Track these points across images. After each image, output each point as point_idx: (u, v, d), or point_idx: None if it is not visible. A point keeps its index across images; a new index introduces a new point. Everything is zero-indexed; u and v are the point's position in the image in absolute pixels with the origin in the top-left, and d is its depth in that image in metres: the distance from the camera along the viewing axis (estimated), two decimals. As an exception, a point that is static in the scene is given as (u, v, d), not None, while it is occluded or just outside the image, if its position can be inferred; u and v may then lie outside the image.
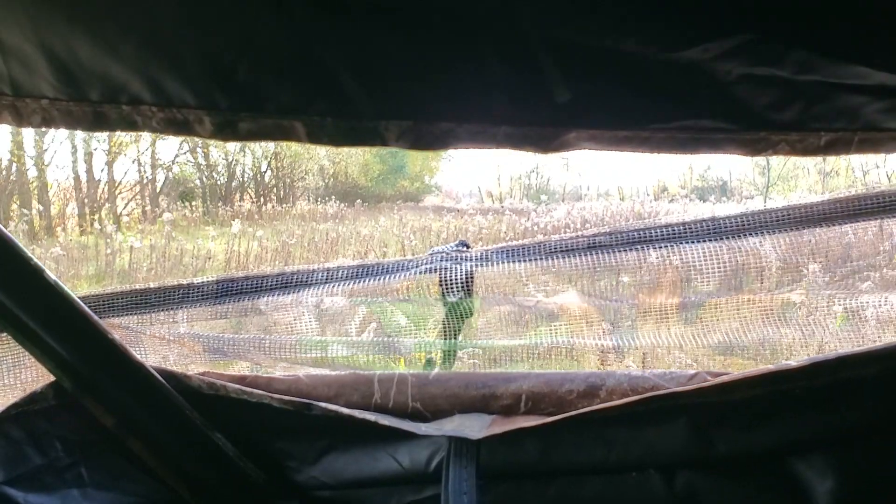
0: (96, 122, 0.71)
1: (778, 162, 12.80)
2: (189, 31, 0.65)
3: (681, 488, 1.04)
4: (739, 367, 1.13)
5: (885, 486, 1.04)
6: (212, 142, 11.85)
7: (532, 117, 0.70)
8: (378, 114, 0.69)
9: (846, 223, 1.07)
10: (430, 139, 0.71)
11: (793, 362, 1.02)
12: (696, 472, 1.05)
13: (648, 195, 13.60)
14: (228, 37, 0.65)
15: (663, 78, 0.68)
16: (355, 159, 14.06)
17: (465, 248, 1.15)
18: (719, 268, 1.07)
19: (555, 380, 1.09)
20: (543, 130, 0.71)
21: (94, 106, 0.69)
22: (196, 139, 11.57)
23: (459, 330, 1.13)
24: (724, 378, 1.02)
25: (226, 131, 0.70)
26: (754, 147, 0.74)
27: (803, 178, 12.78)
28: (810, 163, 12.48)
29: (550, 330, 1.19)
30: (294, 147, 12.70)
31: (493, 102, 0.69)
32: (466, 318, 1.13)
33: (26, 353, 0.95)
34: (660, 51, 0.66)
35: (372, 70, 0.67)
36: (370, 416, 1.04)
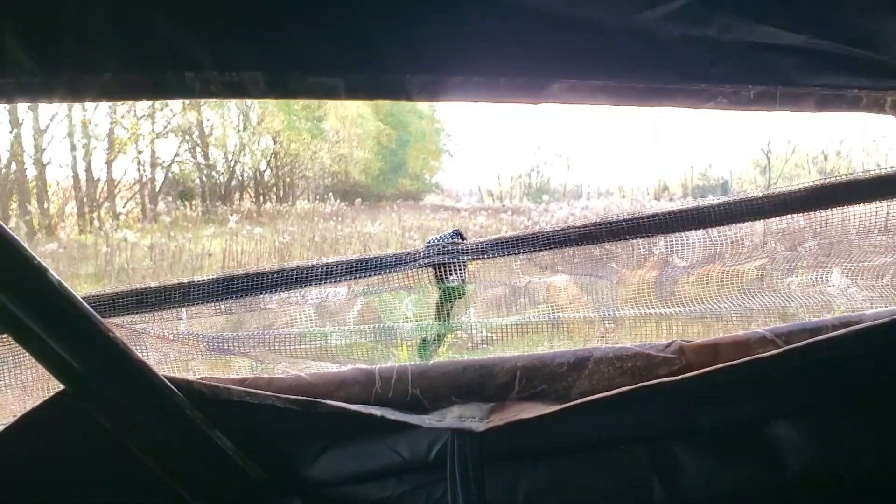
0: (156, 90, 0.77)
1: (778, 161, 12.81)
2: None
3: (664, 458, 1.10)
4: (714, 332, 1.22)
5: (854, 449, 1.11)
6: (213, 140, 11.85)
7: (525, 69, 0.85)
8: (404, 68, 0.81)
9: (819, 209, 1.16)
10: (446, 91, 0.84)
11: (762, 330, 1.15)
12: (677, 442, 1.11)
13: (649, 194, 13.60)
14: (284, 2, 0.75)
15: (622, 37, 0.84)
16: (356, 158, 14.06)
17: (459, 239, 1.18)
18: (702, 251, 1.18)
19: (546, 357, 1.16)
20: (534, 80, 0.86)
21: (156, 75, 0.75)
22: (196, 138, 11.60)
23: (450, 313, 1.19)
24: (702, 354, 1.13)
25: (277, 90, 0.79)
26: (698, 98, 0.89)
27: (804, 177, 12.79)
28: (811, 163, 12.49)
29: (540, 311, 1.27)
30: (294, 147, 12.73)
31: (495, 57, 0.83)
32: (460, 300, 1.19)
33: (27, 354, 0.95)
34: (617, 14, 0.82)
35: (401, 30, 0.79)
36: (375, 412, 1.06)
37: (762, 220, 1.16)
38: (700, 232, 1.16)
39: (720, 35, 0.83)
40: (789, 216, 1.15)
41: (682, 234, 1.16)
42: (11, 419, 1.04)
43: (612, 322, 1.25)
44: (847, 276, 1.22)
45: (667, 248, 1.17)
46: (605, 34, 0.83)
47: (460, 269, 1.15)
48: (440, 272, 1.15)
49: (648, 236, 1.16)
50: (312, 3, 0.76)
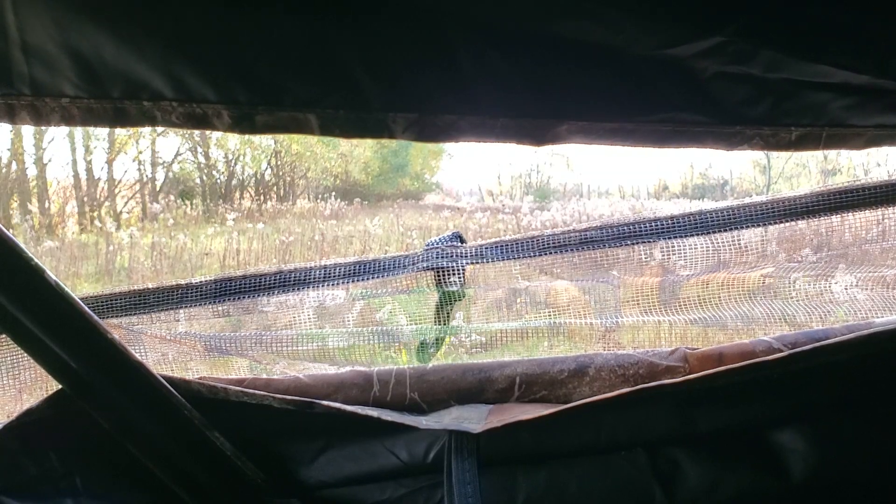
0: (116, 118, 0.73)
1: (779, 161, 12.79)
2: (212, 29, 0.68)
3: (665, 464, 1.09)
4: (718, 341, 1.20)
5: (859, 457, 1.10)
6: (213, 140, 11.85)
7: (528, 110, 0.75)
8: (386, 106, 0.73)
9: (825, 216, 1.13)
10: (434, 131, 0.75)
11: (768, 338, 1.11)
12: (679, 447, 1.10)
13: (649, 194, 13.59)
14: (249, 34, 0.69)
15: (646, 74, 0.74)
16: (357, 158, 14.04)
17: (459, 242, 1.17)
18: (705, 258, 1.15)
19: (547, 362, 1.14)
20: (538, 122, 0.76)
21: (115, 102, 0.72)
22: (196, 137, 11.59)
23: (450, 315, 1.18)
24: (706, 362, 1.10)
25: (243, 125, 0.73)
26: (730, 141, 0.80)
27: (805, 176, 12.77)
28: (812, 162, 12.47)
29: (540, 312, 1.25)
30: (295, 148, 12.70)
31: (492, 95, 0.74)
32: (458, 302, 1.17)
33: (25, 355, 0.94)
34: (644, 49, 0.72)
35: (382, 64, 0.71)
36: (372, 413, 1.05)
37: (766, 227, 1.13)
38: (703, 238, 1.14)
39: (763, 73, 0.74)
40: (794, 223, 1.13)
41: (685, 239, 1.13)
42: (9, 419, 1.04)
43: (614, 326, 1.24)
44: (854, 285, 1.21)
45: (669, 255, 1.16)
46: (625, 71, 0.74)
47: (460, 273, 1.14)
48: (439, 275, 1.14)
49: (650, 241, 1.13)
50: (280, 33, 0.69)
